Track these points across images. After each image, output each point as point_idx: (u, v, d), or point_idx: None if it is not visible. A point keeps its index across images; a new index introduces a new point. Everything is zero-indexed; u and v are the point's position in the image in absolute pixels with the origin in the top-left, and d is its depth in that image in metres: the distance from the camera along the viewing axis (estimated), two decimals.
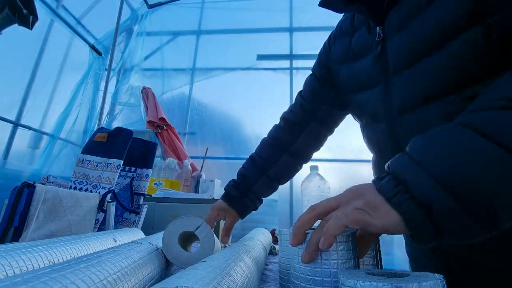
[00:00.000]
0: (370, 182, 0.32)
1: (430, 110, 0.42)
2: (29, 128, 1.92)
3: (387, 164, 0.31)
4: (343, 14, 0.63)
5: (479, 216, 0.25)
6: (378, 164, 0.57)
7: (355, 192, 0.32)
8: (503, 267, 0.38)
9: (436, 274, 0.25)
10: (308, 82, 0.73)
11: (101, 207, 0.80)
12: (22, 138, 1.88)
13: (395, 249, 1.94)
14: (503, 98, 0.27)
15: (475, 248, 0.40)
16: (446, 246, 0.43)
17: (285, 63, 2.60)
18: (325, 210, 0.32)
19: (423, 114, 0.43)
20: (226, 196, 0.71)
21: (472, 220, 0.25)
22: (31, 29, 1.40)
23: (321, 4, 0.54)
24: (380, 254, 0.40)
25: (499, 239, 0.37)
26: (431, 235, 0.27)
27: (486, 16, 0.35)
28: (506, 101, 0.27)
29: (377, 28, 0.48)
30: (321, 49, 0.71)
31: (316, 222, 0.34)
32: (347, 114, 0.71)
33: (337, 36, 0.63)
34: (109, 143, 0.89)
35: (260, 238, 0.72)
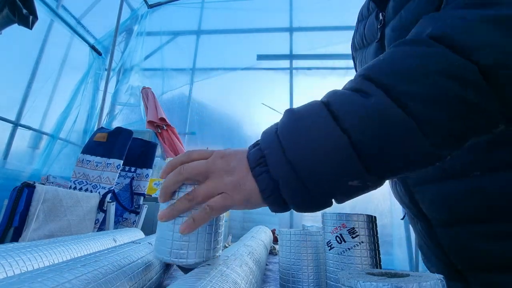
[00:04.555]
0: (245, 148, 0.33)
1: None
2: (29, 128, 1.92)
3: (264, 131, 0.32)
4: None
5: (316, 194, 0.28)
6: None
7: (227, 163, 0.31)
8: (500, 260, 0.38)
9: (436, 274, 0.25)
10: None
11: (101, 207, 0.80)
12: (22, 138, 1.88)
13: (395, 249, 1.94)
14: (359, 75, 0.28)
15: (472, 239, 0.40)
16: (444, 237, 0.43)
17: (285, 63, 2.60)
18: (193, 175, 0.32)
19: None
20: None
21: (309, 197, 0.28)
22: (31, 29, 1.40)
23: None
24: (379, 254, 0.40)
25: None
26: (279, 204, 0.29)
27: None
28: (358, 79, 0.28)
29: (380, 14, 0.48)
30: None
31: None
32: None
33: (359, 20, 0.63)
34: (109, 143, 0.89)
35: (262, 237, 0.72)
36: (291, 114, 0.29)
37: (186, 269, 0.37)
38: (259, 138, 0.32)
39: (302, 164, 0.27)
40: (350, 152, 0.25)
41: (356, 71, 0.68)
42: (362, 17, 0.61)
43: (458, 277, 0.44)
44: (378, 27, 0.49)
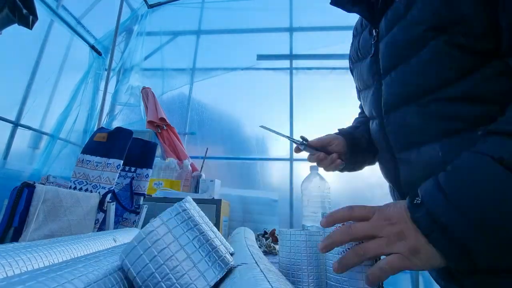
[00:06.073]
0: (404, 205, 0.33)
1: (409, 111, 0.46)
2: (29, 128, 1.92)
3: (420, 188, 0.33)
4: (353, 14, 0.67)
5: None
6: (379, 159, 0.62)
7: (394, 228, 0.32)
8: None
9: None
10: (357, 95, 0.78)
11: (101, 207, 0.80)
12: (22, 138, 1.88)
13: None
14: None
15: None
16: None
17: (285, 63, 2.60)
18: (360, 237, 0.34)
19: (403, 114, 0.47)
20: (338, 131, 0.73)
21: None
22: (31, 29, 1.40)
23: (332, 3, 0.59)
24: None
25: None
26: (467, 265, 0.29)
27: (448, 27, 0.38)
28: None
29: (374, 30, 0.52)
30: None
31: None
32: None
33: (354, 35, 0.68)
34: (109, 143, 0.89)
35: (253, 238, 0.72)
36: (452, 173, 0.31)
37: None
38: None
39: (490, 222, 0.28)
40: None
41: (355, 81, 0.72)
42: (357, 33, 0.65)
43: (454, 280, 0.45)
44: (372, 42, 0.52)
